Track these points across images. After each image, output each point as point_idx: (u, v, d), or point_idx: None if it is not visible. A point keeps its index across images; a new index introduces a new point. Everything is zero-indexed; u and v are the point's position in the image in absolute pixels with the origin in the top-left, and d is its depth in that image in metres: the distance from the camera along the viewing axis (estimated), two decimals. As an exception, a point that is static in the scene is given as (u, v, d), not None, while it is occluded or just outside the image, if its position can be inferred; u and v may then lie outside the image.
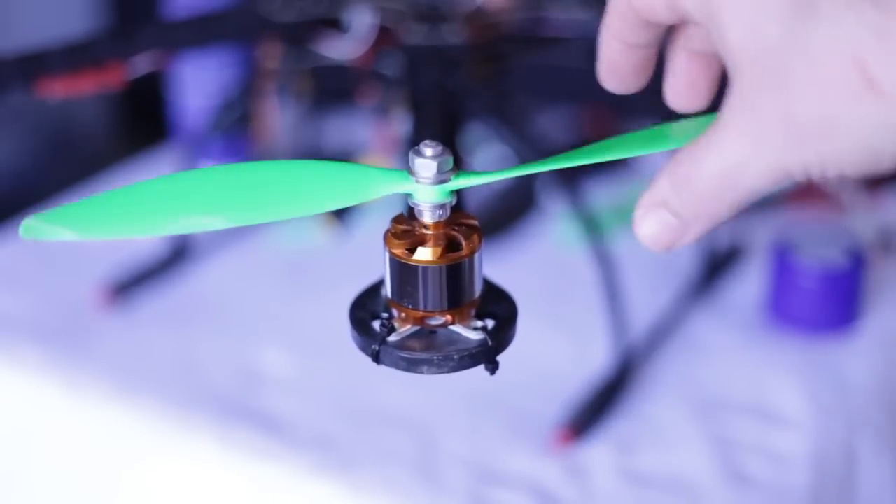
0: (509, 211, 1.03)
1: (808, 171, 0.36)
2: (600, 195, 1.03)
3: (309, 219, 0.99)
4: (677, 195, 0.38)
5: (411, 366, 0.41)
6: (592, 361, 0.82)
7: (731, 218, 0.38)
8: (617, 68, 0.43)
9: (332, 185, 0.40)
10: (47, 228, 0.38)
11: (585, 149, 0.41)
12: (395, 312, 0.42)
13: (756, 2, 0.35)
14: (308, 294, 0.94)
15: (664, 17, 0.40)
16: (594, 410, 0.78)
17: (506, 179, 0.42)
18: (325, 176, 0.40)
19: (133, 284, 0.94)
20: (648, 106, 0.95)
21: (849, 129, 0.34)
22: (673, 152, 0.39)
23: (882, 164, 0.35)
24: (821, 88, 0.34)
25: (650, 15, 0.40)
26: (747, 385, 0.83)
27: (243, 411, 0.80)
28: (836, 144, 0.35)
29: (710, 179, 0.37)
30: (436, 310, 0.41)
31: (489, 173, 0.41)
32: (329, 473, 0.74)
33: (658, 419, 0.79)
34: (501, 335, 0.42)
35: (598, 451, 0.76)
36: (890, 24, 0.33)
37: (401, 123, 0.89)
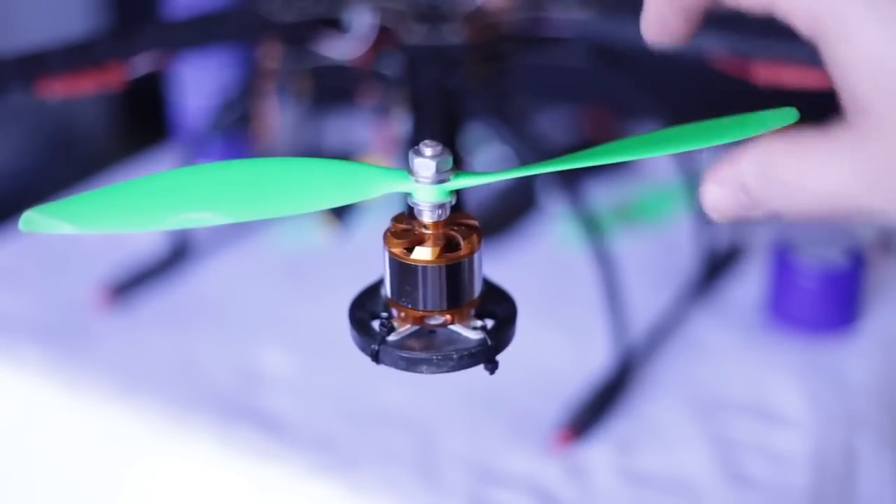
0: (509, 211, 1.03)
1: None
2: (600, 195, 1.03)
3: (309, 219, 0.99)
4: (763, 186, 0.37)
5: (411, 365, 0.41)
6: (592, 361, 0.82)
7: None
8: (665, 20, 0.42)
9: (331, 183, 0.40)
10: (46, 221, 0.38)
11: (585, 151, 0.40)
12: (394, 312, 0.42)
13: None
14: (308, 294, 0.94)
15: None
16: (594, 410, 0.78)
17: (506, 180, 0.42)
18: (325, 173, 0.40)
19: (133, 284, 0.94)
20: (647, 107, 0.95)
21: None
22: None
23: None
24: None
25: None
26: (747, 385, 0.83)
27: (243, 411, 0.80)
28: None
29: (812, 194, 0.37)
30: (435, 309, 0.41)
31: (489, 174, 0.41)
32: (329, 473, 0.74)
33: (658, 419, 0.79)
34: (501, 335, 0.42)
35: (598, 451, 0.76)
36: None
37: (401, 123, 0.89)
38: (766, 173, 0.37)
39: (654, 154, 0.40)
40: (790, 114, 0.41)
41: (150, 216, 0.39)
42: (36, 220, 0.38)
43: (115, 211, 0.39)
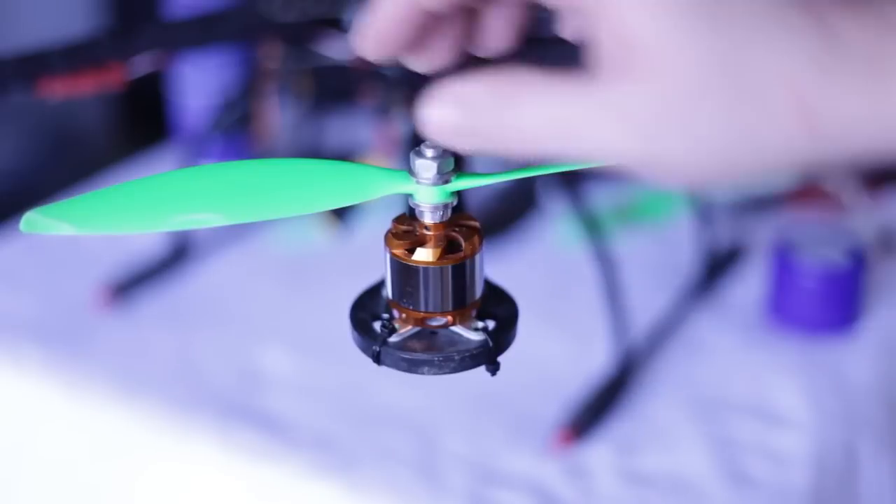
0: (509, 211, 1.03)
1: (662, 172, 0.33)
2: (600, 195, 1.03)
3: (309, 219, 0.99)
4: (490, 111, 0.35)
5: (412, 367, 0.41)
6: (592, 361, 0.82)
7: (511, 156, 0.35)
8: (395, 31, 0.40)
9: (332, 185, 0.40)
10: (47, 222, 0.38)
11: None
12: (395, 313, 0.42)
13: (668, 4, 0.33)
14: (308, 294, 0.94)
15: None
16: (594, 411, 0.78)
17: (507, 180, 0.42)
18: (326, 175, 0.40)
19: (133, 284, 0.94)
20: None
21: (756, 145, 0.32)
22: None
23: (748, 182, 0.34)
24: (742, 98, 0.32)
25: None
26: (747, 385, 0.83)
27: (243, 411, 0.80)
28: (733, 157, 0.33)
29: (538, 120, 0.34)
30: (436, 311, 0.41)
31: (490, 175, 0.41)
32: (329, 473, 0.74)
33: (658, 419, 0.79)
34: (502, 336, 0.42)
35: (599, 452, 0.76)
36: (834, 62, 0.32)
37: (401, 123, 0.89)
38: (500, 93, 0.35)
39: None
40: None
41: (151, 217, 0.39)
42: (37, 221, 0.38)
43: (115, 212, 0.39)
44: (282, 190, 0.40)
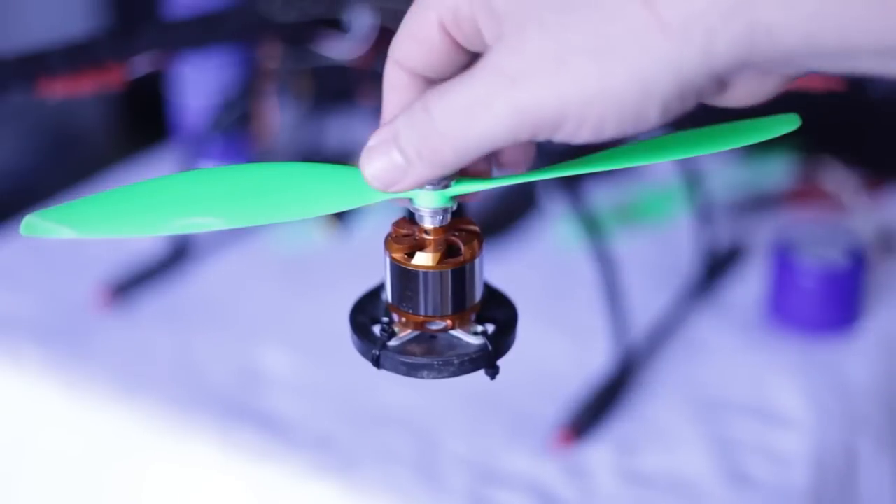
0: (509, 211, 1.03)
1: (560, 117, 0.34)
2: (600, 195, 1.03)
3: (309, 220, 0.99)
4: (409, 130, 0.37)
5: (411, 370, 0.41)
6: (592, 361, 0.82)
7: (452, 168, 0.37)
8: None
9: (332, 189, 0.40)
10: (47, 226, 0.38)
11: (586, 158, 0.40)
12: (395, 317, 0.42)
13: None
14: (308, 294, 0.94)
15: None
16: (594, 410, 0.78)
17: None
18: (326, 179, 0.40)
19: (133, 284, 0.94)
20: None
21: (626, 63, 0.33)
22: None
23: (646, 116, 0.34)
24: (599, 22, 0.34)
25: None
26: (747, 385, 0.83)
27: (243, 411, 0.80)
28: (608, 81, 0.34)
29: (446, 115, 0.36)
30: (436, 315, 0.41)
31: (490, 180, 0.41)
32: (329, 474, 0.74)
33: (658, 419, 0.79)
34: (502, 340, 0.42)
35: (599, 452, 0.76)
36: None
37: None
38: (411, 115, 0.37)
39: (655, 160, 0.40)
40: (792, 120, 0.41)
41: (151, 221, 0.39)
42: (37, 225, 0.38)
43: (115, 215, 0.39)
44: (282, 194, 0.40)
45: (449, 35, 0.38)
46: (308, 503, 0.75)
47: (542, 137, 0.36)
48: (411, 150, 0.37)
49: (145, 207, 0.39)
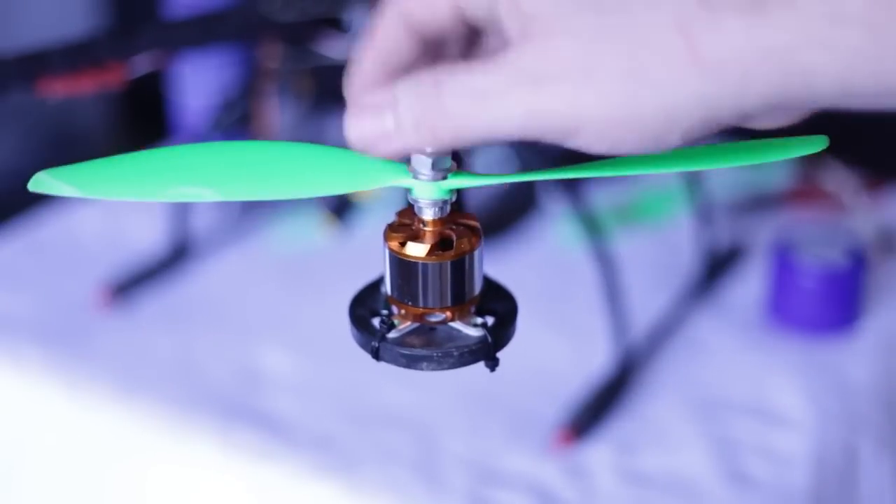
0: (509, 211, 1.03)
1: (575, 128, 0.34)
2: (600, 195, 1.03)
3: (309, 218, 0.99)
4: (414, 99, 0.36)
5: (411, 362, 0.41)
6: (592, 361, 0.82)
7: (445, 148, 0.37)
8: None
9: (329, 170, 0.40)
10: (54, 184, 0.39)
11: (596, 164, 0.40)
12: (394, 309, 0.42)
13: None
14: (308, 294, 0.94)
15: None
16: (594, 410, 0.78)
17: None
18: (324, 160, 0.41)
19: (133, 284, 0.94)
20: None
21: (655, 91, 0.33)
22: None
23: (666, 141, 0.34)
24: (634, 44, 0.33)
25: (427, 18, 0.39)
26: (747, 385, 0.83)
27: (243, 411, 0.80)
28: (634, 106, 0.34)
29: (457, 96, 0.35)
30: (435, 306, 0.41)
31: (489, 176, 0.41)
32: (329, 474, 0.74)
33: (658, 419, 0.79)
34: (501, 332, 0.42)
35: (599, 451, 0.76)
36: (717, 1, 0.33)
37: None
38: (420, 84, 0.36)
39: (669, 170, 0.40)
40: (820, 140, 0.40)
41: (149, 187, 0.40)
42: (44, 182, 0.39)
43: (117, 179, 0.40)
44: (279, 172, 0.40)
45: (458, 6, 0.38)
46: (308, 503, 0.75)
47: (548, 141, 0.35)
48: (409, 119, 0.36)
49: (146, 174, 0.40)
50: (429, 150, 0.37)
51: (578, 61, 0.34)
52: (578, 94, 0.34)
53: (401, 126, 0.37)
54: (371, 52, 0.40)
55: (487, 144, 0.38)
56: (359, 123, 0.37)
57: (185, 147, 0.41)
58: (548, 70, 0.34)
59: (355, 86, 0.40)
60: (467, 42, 0.41)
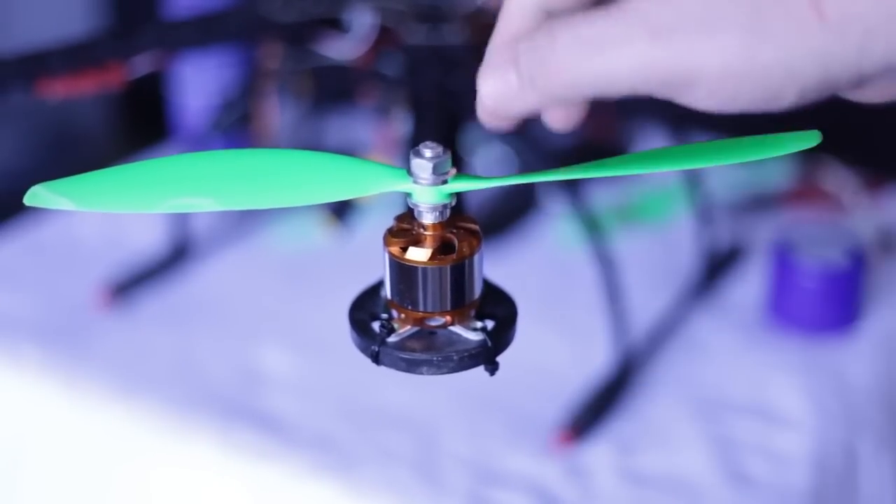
0: (509, 211, 1.03)
1: (691, 81, 0.34)
2: (600, 195, 1.03)
3: (309, 218, 0.99)
4: (530, 52, 0.36)
5: (411, 366, 0.41)
6: (592, 361, 0.82)
7: (561, 100, 0.36)
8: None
9: (329, 178, 0.40)
10: (49, 197, 0.39)
11: (594, 164, 0.40)
12: (394, 313, 0.42)
13: None
14: (308, 294, 0.94)
15: None
16: (594, 411, 0.78)
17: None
18: (323, 167, 0.41)
19: (133, 284, 0.94)
20: (650, 108, 0.95)
21: (776, 45, 0.33)
22: None
23: (780, 98, 0.34)
24: (758, 0, 0.33)
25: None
26: (747, 385, 0.83)
27: (243, 411, 0.80)
28: (754, 59, 0.33)
29: (570, 43, 0.35)
30: (435, 311, 0.41)
31: (489, 179, 0.41)
32: (329, 474, 0.74)
33: (658, 419, 0.79)
34: (501, 336, 0.42)
35: (599, 452, 0.76)
36: None
37: (401, 124, 0.89)
38: (535, 39, 0.36)
39: (668, 168, 0.40)
40: (813, 136, 0.41)
41: (147, 199, 0.39)
42: (40, 196, 0.39)
43: (113, 192, 0.40)
44: (279, 180, 0.40)
45: None
46: (308, 503, 0.75)
47: (660, 95, 0.35)
48: (526, 72, 0.36)
49: (142, 186, 0.40)
50: (547, 103, 0.36)
51: (698, 12, 0.33)
52: (697, 45, 0.33)
53: (522, 81, 0.36)
54: (500, 36, 0.40)
55: (602, 98, 0.37)
56: (486, 83, 0.37)
57: (182, 157, 0.41)
58: (666, 20, 0.34)
59: (495, 41, 0.40)
60: None
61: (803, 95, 0.34)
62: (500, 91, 0.37)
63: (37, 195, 0.39)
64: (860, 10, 0.32)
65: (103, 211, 0.39)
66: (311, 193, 0.40)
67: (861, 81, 0.35)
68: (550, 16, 0.40)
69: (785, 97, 0.34)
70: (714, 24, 0.33)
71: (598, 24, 0.35)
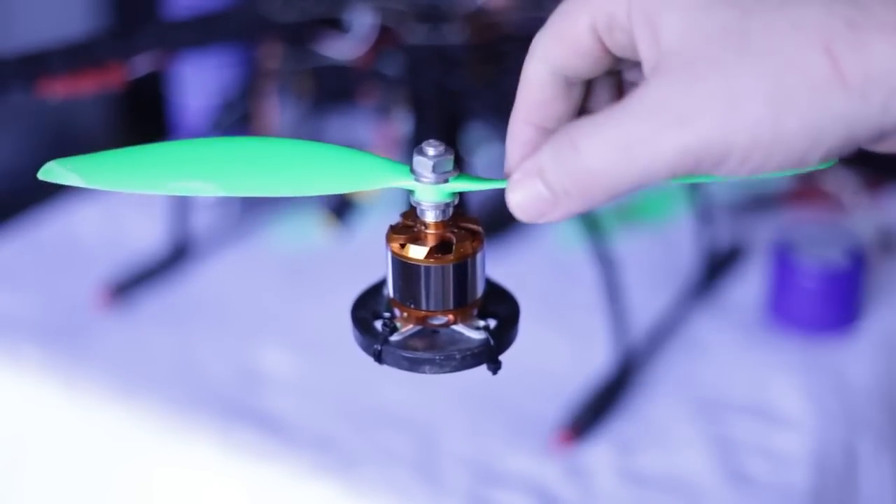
0: (510, 211, 1.03)
1: (724, 156, 0.34)
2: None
3: (309, 218, 0.99)
4: (556, 166, 0.36)
5: (413, 365, 0.41)
6: (592, 361, 0.82)
7: (602, 204, 0.36)
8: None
9: (332, 169, 0.40)
10: (62, 173, 0.40)
11: None
12: (397, 312, 0.42)
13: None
14: (308, 294, 0.94)
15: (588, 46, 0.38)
16: (594, 411, 0.78)
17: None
18: (328, 158, 0.41)
19: (133, 284, 0.94)
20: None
21: (802, 114, 0.33)
22: None
23: (808, 161, 0.34)
24: (779, 68, 0.33)
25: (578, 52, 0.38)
26: (747, 385, 0.83)
27: (243, 411, 0.80)
28: (781, 129, 0.33)
29: (599, 152, 0.35)
30: (438, 309, 0.41)
31: (491, 181, 0.41)
32: (329, 473, 0.74)
33: (658, 419, 0.79)
34: (503, 335, 0.42)
35: (599, 452, 0.76)
36: (861, 18, 0.33)
37: (402, 123, 0.89)
38: (558, 150, 0.36)
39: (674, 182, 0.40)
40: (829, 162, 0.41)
41: (152, 180, 0.40)
42: (54, 171, 0.40)
43: (121, 171, 0.41)
44: (282, 169, 0.40)
45: (600, 40, 0.38)
46: (308, 503, 0.75)
47: (699, 173, 0.35)
48: (558, 185, 0.36)
49: (149, 167, 0.40)
50: (589, 208, 0.37)
51: (721, 91, 0.34)
52: (725, 124, 0.34)
53: (554, 193, 0.36)
54: (521, 111, 0.40)
55: (644, 189, 0.37)
56: (514, 195, 0.37)
57: (190, 141, 0.42)
58: (691, 104, 0.34)
59: (512, 152, 0.40)
60: (615, 84, 0.41)
61: (828, 156, 0.35)
62: (532, 205, 0.37)
63: (50, 170, 0.40)
64: (882, 70, 0.33)
65: (109, 189, 0.40)
66: (314, 184, 0.40)
67: (883, 137, 0.35)
68: (569, 84, 0.39)
69: (811, 160, 0.35)
70: (739, 100, 0.33)
71: (624, 125, 0.35)
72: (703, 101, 0.34)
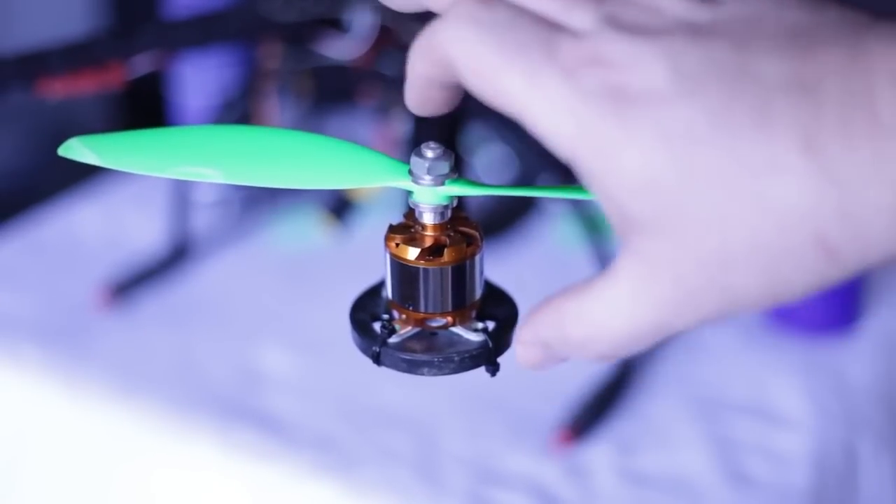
0: (509, 211, 1.03)
1: (730, 312, 0.34)
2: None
3: (309, 218, 0.99)
4: (565, 344, 0.37)
5: (412, 367, 0.41)
6: (592, 361, 0.82)
7: (612, 360, 0.37)
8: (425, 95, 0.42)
9: (334, 163, 0.41)
10: (80, 150, 0.41)
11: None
12: (395, 314, 0.42)
13: (665, 145, 0.32)
14: (308, 294, 0.94)
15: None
16: (594, 411, 0.78)
17: (507, 180, 0.42)
18: (331, 152, 0.41)
19: (133, 284, 0.94)
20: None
21: (794, 288, 0.33)
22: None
23: (785, 302, 0.34)
24: (771, 263, 0.32)
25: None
26: (747, 385, 0.83)
27: (243, 411, 0.80)
28: (777, 296, 0.33)
29: (583, 329, 0.36)
30: (436, 311, 0.41)
31: (487, 186, 0.41)
32: (329, 474, 0.74)
33: (658, 419, 0.79)
34: (502, 337, 0.42)
35: (599, 452, 0.76)
36: (854, 206, 0.31)
37: (401, 124, 0.89)
38: (561, 333, 0.36)
39: None
40: None
41: (158, 163, 0.41)
42: (73, 148, 0.41)
43: (132, 152, 0.41)
44: (286, 160, 0.40)
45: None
46: (308, 503, 0.75)
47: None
48: (562, 351, 0.37)
49: (158, 150, 0.41)
50: (602, 361, 0.38)
51: (712, 283, 0.33)
52: (717, 311, 0.34)
53: (554, 353, 0.37)
54: (413, 91, 0.42)
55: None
56: (521, 356, 0.38)
57: (201, 128, 0.42)
58: (663, 280, 0.33)
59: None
60: None
61: (806, 296, 0.35)
62: (541, 363, 0.38)
63: (70, 147, 0.41)
64: (872, 247, 0.32)
65: (120, 169, 0.41)
66: (316, 178, 0.40)
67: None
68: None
69: (790, 300, 0.35)
70: (732, 279, 0.33)
71: (600, 298, 0.35)
72: (705, 279, 0.33)
